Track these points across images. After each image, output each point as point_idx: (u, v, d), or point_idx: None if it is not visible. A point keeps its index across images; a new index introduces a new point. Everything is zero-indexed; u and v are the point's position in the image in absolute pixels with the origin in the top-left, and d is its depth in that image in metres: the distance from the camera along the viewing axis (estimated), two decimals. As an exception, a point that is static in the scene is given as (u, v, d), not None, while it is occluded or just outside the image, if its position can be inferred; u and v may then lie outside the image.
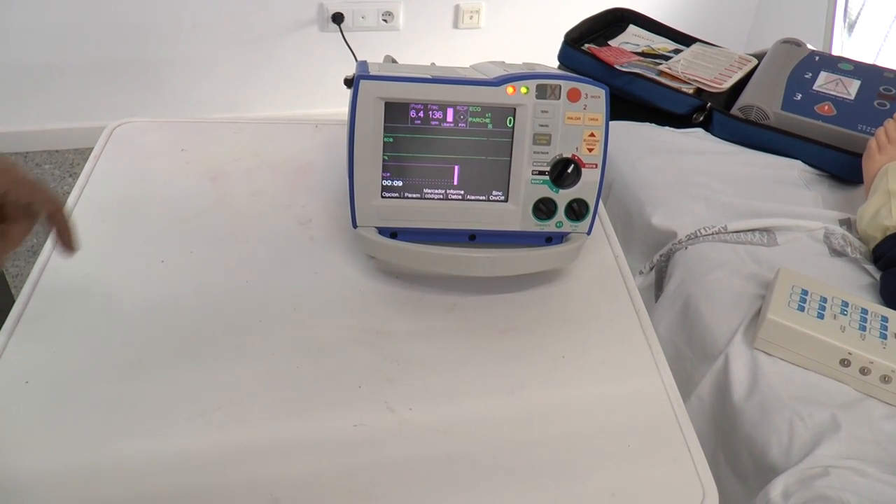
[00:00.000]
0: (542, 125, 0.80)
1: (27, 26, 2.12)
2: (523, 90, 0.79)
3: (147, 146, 1.00)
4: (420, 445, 0.67)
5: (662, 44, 1.72)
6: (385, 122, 0.79)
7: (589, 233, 0.86)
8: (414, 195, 0.82)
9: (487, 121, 0.80)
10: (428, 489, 0.64)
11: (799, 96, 1.47)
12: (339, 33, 2.32)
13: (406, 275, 0.84)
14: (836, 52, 2.17)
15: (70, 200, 0.89)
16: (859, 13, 2.11)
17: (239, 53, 2.33)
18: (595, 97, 0.80)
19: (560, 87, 0.79)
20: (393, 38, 2.40)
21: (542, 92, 0.79)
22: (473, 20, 2.43)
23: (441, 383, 0.73)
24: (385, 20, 2.35)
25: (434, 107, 0.79)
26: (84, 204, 0.89)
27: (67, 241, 0.65)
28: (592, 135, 0.81)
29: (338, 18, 2.30)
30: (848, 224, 1.23)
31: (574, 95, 0.80)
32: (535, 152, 0.81)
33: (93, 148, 0.98)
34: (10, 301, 0.76)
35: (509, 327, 0.80)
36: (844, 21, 2.17)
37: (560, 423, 0.71)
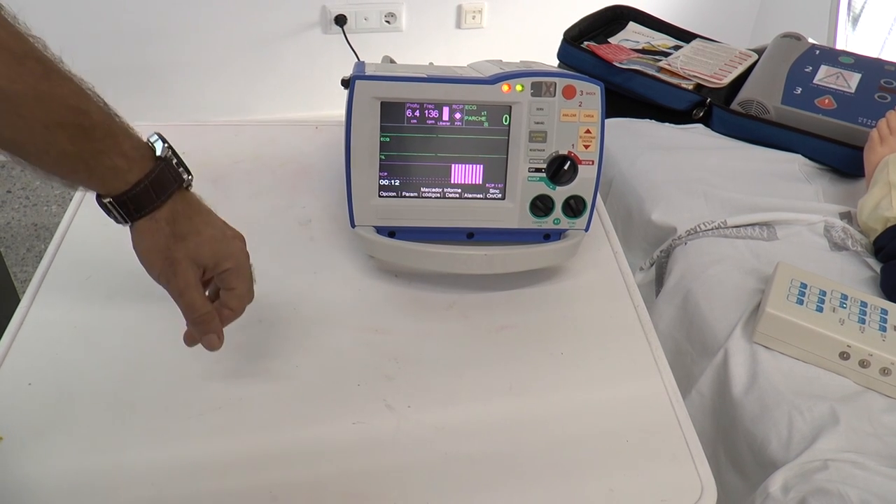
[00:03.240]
0: (537, 122, 0.80)
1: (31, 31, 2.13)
2: (518, 88, 0.79)
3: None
4: (419, 443, 0.68)
5: (662, 40, 1.72)
6: (381, 121, 0.79)
7: (587, 229, 0.86)
8: (411, 194, 0.83)
9: (483, 119, 0.80)
10: (426, 486, 0.65)
11: (799, 90, 1.46)
12: (343, 35, 2.33)
13: (405, 273, 0.85)
14: (840, 46, 2.16)
15: (73, 203, 0.90)
16: (863, 7, 2.11)
17: (243, 57, 2.34)
18: (590, 94, 0.81)
19: (555, 84, 0.80)
20: (396, 40, 2.41)
21: (537, 89, 0.80)
22: (476, 20, 2.43)
23: (440, 381, 0.74)
24: (388, 21, 2.36)
25: (430, 106, 0.79)
26: (87, 207, 0.90)
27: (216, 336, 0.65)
28: (588, 131, 0.82)
29: (341, 20, 2.30)
30: (848, 217, 1.22)
31: (569, 92, 0.80)
32: (531, 150, 0.81)
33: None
34: (15, 302, 0.77)
35: (508, 325, 0.80)
36: (848, 15, 2.17)
37: (559, 420, 0.71)
